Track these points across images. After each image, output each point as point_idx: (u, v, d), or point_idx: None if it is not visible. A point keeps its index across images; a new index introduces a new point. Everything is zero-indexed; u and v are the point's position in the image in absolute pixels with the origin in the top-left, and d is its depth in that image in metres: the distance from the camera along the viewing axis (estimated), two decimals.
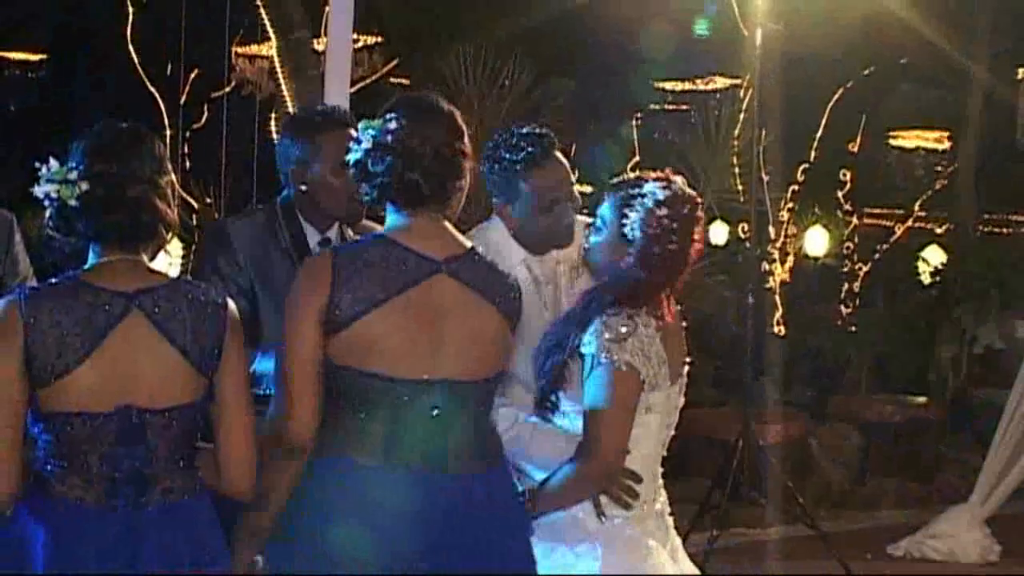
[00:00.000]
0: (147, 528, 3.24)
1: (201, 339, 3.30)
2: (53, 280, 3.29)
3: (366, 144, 3.45)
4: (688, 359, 4.02)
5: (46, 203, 3.29)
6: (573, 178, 4.27)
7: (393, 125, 3.44)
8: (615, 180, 4.05)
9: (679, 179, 3.93)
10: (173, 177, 3.42)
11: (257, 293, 4.31)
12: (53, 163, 3.29)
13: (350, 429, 3.39)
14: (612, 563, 3.83)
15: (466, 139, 3.54)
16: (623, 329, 3.77)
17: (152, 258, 3.39)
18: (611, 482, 3.80)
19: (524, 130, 4.21)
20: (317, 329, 3.35)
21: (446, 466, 3.40)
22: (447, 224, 3.54)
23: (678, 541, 4.07)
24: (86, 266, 3.31)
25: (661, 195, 3.85)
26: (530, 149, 4.15)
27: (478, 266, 3.51)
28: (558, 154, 4.20)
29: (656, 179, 3.90)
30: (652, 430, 3.89)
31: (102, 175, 3.26)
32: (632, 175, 4.05)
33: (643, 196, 3.85)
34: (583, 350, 3.80)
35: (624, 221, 3.86)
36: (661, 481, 4.01)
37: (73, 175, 3.27)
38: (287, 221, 4.44)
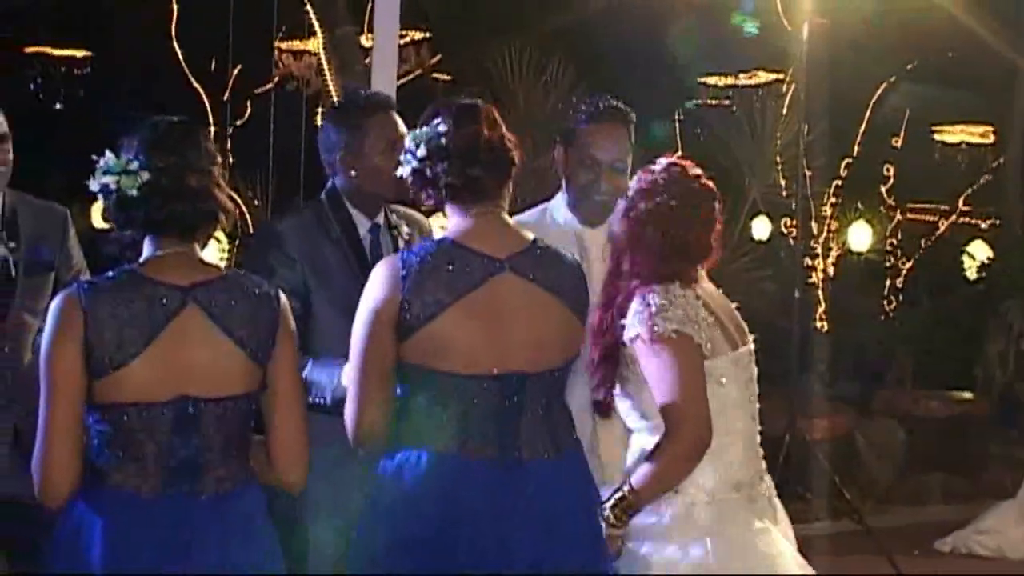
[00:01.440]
0: (201, 517, 3.29)
1: (257, 330, 3.35)
2: (110, 274, 3.33)
3: (421, 152, 3.58)
4: (748, 333, 4.02)
5: (102, 195, 3.33)
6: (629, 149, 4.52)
7: (442, 128, 3.58)
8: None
9: (686, 163, 4.06)
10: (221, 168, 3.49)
11: (311, 289, 4.33)
12: (109, 155, 3.33)
13: (427, 423, 3.51)
14: (724, 551, 3.79)
15: (507, 131, 3.68)
16: (662, 300, 3.78)
17: (203, 248, 3.46)
18: (697, 459, 3.76)
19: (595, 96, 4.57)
20: (389, 333, 3.49)
21: (520, 455, 3.53)
22: (507, 218, 3.68)
23: (789, 529, 4.03)
24: (141, 259, 3.36)
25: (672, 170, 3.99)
26: (595, 107, 4.53)
27: (541, 259, 3.62)
28: (620, 124, 4.55)
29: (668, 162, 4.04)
30: (735, 400, 3.87)
31: (164, 166, 3.32)
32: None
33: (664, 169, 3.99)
34: (629, 333, 3.81)
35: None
36: (764, 464, 3.99)
37: (134, 165, 3.31)
38: (335, 211, 4.46)
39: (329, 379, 4.10)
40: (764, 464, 4.00)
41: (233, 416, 3.34)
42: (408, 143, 3.63)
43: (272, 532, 3.44)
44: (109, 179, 3.31)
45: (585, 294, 3.72)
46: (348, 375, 3.64)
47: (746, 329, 4.02)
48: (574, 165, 4.55)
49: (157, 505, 3.26)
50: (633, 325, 3.81)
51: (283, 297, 3.46)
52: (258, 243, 4.58)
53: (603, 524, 3.78)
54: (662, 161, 4.03)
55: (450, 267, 3.52)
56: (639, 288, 3.85)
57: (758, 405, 3.98)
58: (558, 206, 4.63)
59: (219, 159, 3.49)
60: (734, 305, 4.11)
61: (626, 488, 3.79)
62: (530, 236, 3.67)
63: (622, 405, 3.95)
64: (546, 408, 3.60)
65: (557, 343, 3.63)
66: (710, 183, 4.03)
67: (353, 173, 4.42)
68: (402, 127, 4.46)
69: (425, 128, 3.60)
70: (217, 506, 3.31)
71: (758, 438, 3.98)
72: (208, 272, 3.38)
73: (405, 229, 4.58)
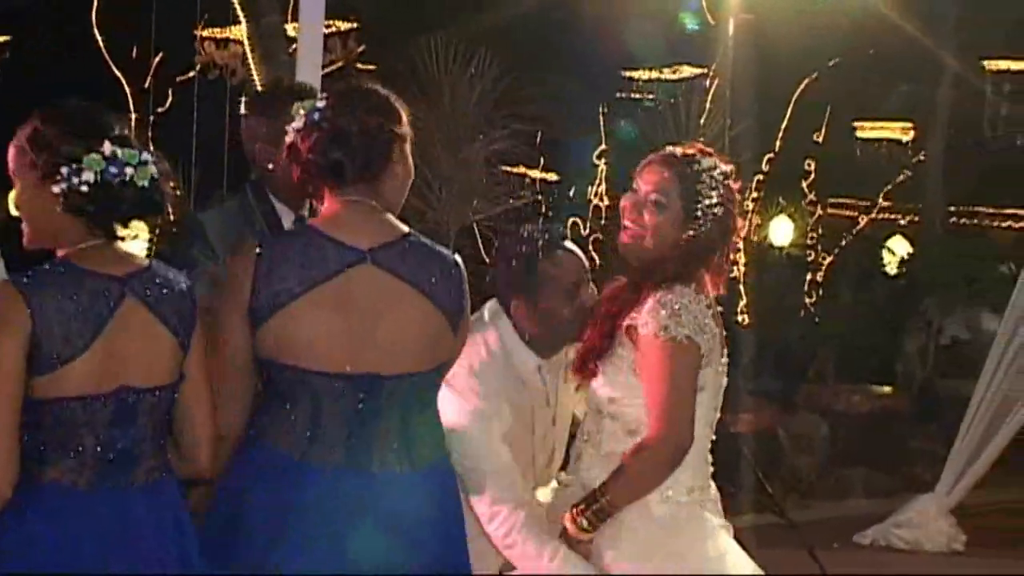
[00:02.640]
0: (136, 507, 3.25)
1: (184, 319, 3.32)
2: (46, 267, 3.26)
3: (297, 124, 3.43)
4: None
5: (93, 185, 3.22)
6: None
7: (321, 104, 3.41)
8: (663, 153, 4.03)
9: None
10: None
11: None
12: (108, 146, 3.23)
13: (275, 420, 3.32)
14: (679, 545, 3.83)
15: (403, 123, 3.47)
16: (677, 305, 3.77)
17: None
18: (674, 466, 3.77)
19: (531, 226, 4.19)
20: (243, 322, 3.31)
21: (370, 464, 3.31)
22: (379, 209, 3.43)
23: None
24: (61, 252, 3.29)
25: (726, 168, 3.95)
26: (548, 235, 4.11)
27: (411, 253, 3.39)
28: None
29: (704, 152, 3.96)
30: (704, 409, 3.88)
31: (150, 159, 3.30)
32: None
33: (710, 170, 3.91)
34: (641, 330, 3.79)
35: (697, 197, 3.88)
36: (711, 469, 4.01)
37: (146, 157, 3.27)
38: (259, 203, 4.41)
39: None
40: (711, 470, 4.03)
41: (163, 405, 3.31)
42: (292, 112, 3.47)
43: (191, 520, 3.38)
44: (128, 170, 3.24)
45: (460, 295, 3.44)
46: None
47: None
48: (549, 303, 4.07)
49: (94, 498, 3.21)
50: (647, 322, 3.77)
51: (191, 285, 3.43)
52: (182, 234, 4.51)
53: (572, 527, 3.82)
54: (721, 166, 3.95)
55: (304, 255, 3.31)
56: (660, 285, 3.83)
57: (718, 415, 4.00)
58: (511, 340, 4.12)
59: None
60: None
61: (601, 495, 3.80)
62: (404, 228, 3.43)
63: (604, 377, 3.92)
64: (403, 417, 3.35)
65: (421, 345, 3.37)
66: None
67: (270, 164, 4.37)
68: None
69: (310, 102, 3.45)
70: (148, 496, 3.27)
71: (709, 445, 4.00)
72: (135, 263, 3.33)
73: None
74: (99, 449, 3.23)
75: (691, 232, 3.88)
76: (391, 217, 3.46)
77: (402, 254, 3.37)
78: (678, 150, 4.00)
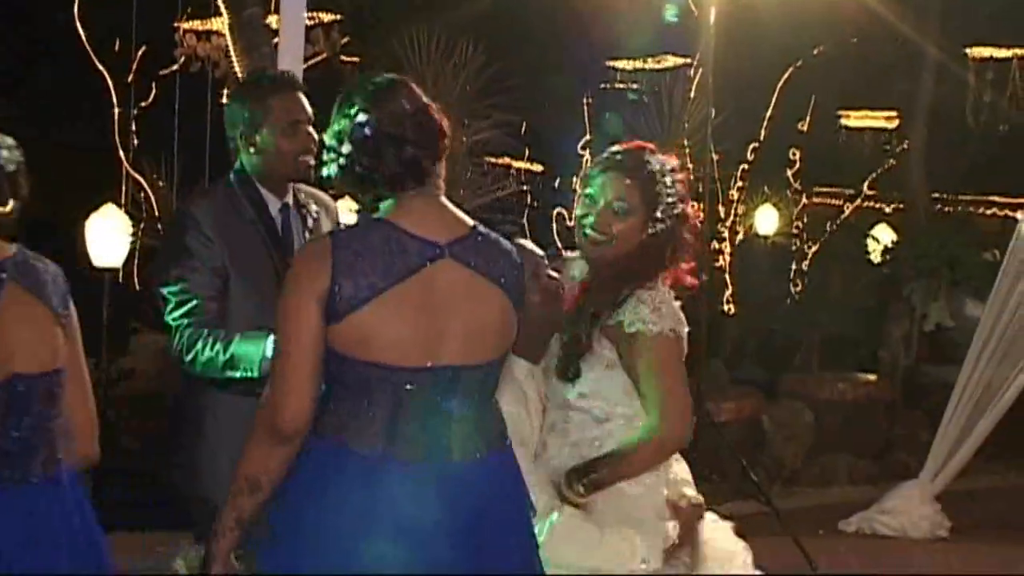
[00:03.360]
0: (37, 500, 3.22)
1: (63, 303, 3.32)
2: None
3: (346, 148, 3.33)
4: None
5: None
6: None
7: (363, 118, 3.32)
8: (600, 159, 4.16)
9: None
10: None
11: (228, 269, 4.31)
12: None
13: (351, 416, 3.27)
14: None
15: (430, 103, 3.43)
16: (657, 301, 3.91)
17: None
18: (672, 454, 3.94)
19: None
20: (318, 317, 3.24)
21: (449, 456, 3.31)
22: (445, 201, 3.44)
23: None
24: None
25: (674, 163, 4.09)
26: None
27: (482, 246, 3.41)
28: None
29: (649, 151, 4.08)
30: None
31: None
32: (611, 150, 4.19)
33: (663, 169, 4.04)
34: (628, 330, 3.89)
35: (657, 200, 4.01)
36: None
37: (11, 141, 3.34)
38: (245, 192, 4.44)
39: (256, 351, 4.09)
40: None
41: (54, 392, 3.28)
42: (329, 141, 3.38)
43: (91, 510, 3.36)
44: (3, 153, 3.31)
45: (523, 283, 3.50)
46: (272, 362, 3.43)
47: None
48: None
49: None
50: (633, 322, 3.89)
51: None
52: (175, 226, 4.53)
53: (568, 493, 3.92)
54: (668, 163, 4.08)
55: (386, 250, 3.26)
56: (635, 283, 3.94)
57: None
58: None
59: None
60: None
61: (599, 468, 3.92)
62: (470, 221, 3.44)
63: (586, 380, 4.01)
64: (478, 404, 3.38)
65: (497, 334, 3.41)
66: None
67: (254, 151, 4.39)
68: (307, 107, 4.45)
69: (344, 121, 3.34)
70: (48, 487, 3.25)
71: None
72: (6, 248, 3.32)
73: (314, 208, 4.56)
74: None
75: (652, 232, 4.00)
76: (456, 209, 3.47)
77: (475, 247, 3.39)
78: (626, 154, 4.10)
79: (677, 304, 3.99)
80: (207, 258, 4.26)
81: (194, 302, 4.25)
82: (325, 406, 3.30)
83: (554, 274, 4.15)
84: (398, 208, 3.37)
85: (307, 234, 4.48)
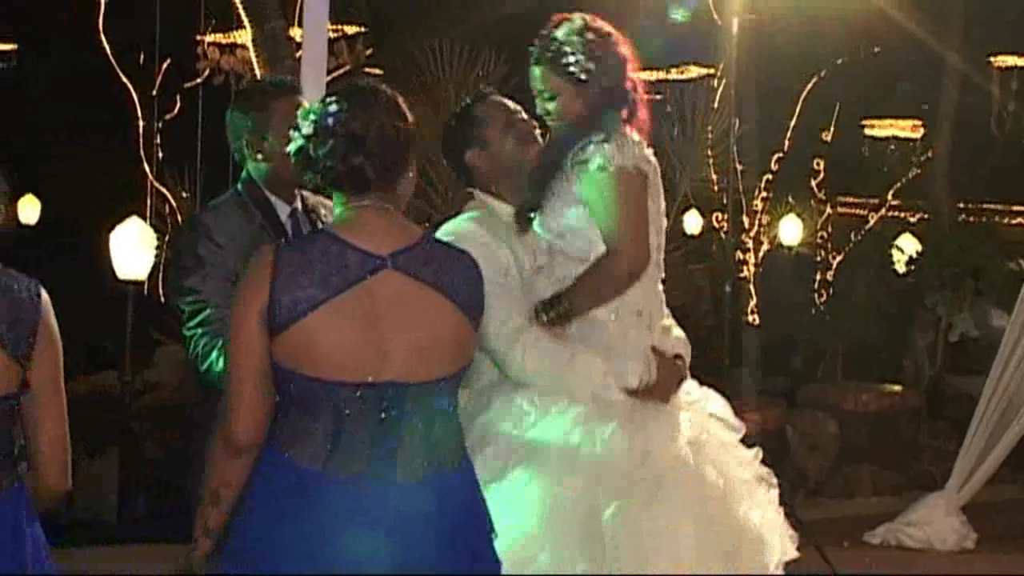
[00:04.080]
0: None
1: (16, 327, 3.19)
2: None
3: (307, 129, 3.32)
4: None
5: None
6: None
7: (334, 108, 3.30)
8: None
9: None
10: None
11: (240, 276, 4.30)
12: None
13: (296, 430, 3.22)
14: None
15: (410, 122, 3.40)
16: (619, 141, 4.00)
17: None
18: (635, 278, 3.98)
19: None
20: (260, 330, 3.20)
21: (394, 476, 3.21)
22: (395, 212, 3.37)
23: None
24: None
25: (579, 22, 4.13)
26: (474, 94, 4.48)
27: (431, 255, 3.33)
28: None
29: (555, 24, 4.16)
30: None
31: None
32: None
33: (569, 37, 4.11)
34: (588, 166, 3.99)
35: (569, 69, 4.10)
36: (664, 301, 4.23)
37: None
38: (254, 199, 4.44)
39: None
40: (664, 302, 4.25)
41: None
42: (298, 118, 3.36)
43: (42, 535, 3.28)
44: None
45: (479, 294, 3.40)
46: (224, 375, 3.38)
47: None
48: (496, 145, 4.42)
49: None
50: (593, 157, 3.98)
51: (44, 295, 3.29)
52: (186, 235, 4.53)
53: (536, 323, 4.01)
54: (572, 24, 4.15)
55: (325, 262, 3.20)
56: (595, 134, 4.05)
57: (662, 255, 4.21)
58: (476, 226, 4.36)
59: None
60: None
61: (562, 300, 4.01)
62: (420, 231, 3.38)
63: (551, 213, 4.11)
64: (427, 422, 3.26)
65: (444, 349, 3.30)
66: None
67: (260, 157, 4.41)
68: None
69: (319, 104, 3.33)
70: None
71: (659, 278, 4.21)
72: None
73: (323, 212, 4.57)
74: None
75: (586, 92, 4.08)
76: (406, 219, 3.41)
77: (423, 257, 3.30)
78: (536, 41, 4.20)
79: (649, 151, 4.10)
80: (219, 266, 4.25)
81: (208, 311, 4.25)
82: (275, 419, 3.27)
83: (526, 117, 4.32)
84: (343, 219, 3.34)
85: None
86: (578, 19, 4.15)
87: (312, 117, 3.32)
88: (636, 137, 4.09)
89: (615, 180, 3.97)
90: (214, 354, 4.17)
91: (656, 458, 3.92)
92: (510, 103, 4.35)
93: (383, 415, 3.21)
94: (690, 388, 4.24)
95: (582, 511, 3.81)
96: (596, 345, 4.03)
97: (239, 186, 4.49)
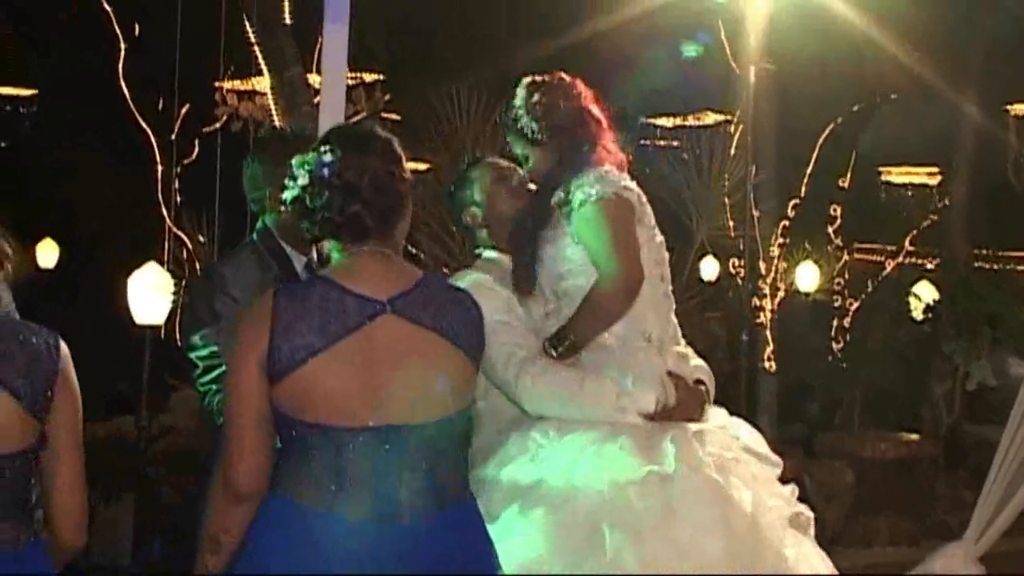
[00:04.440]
0: None
1: (34, 381, 3.18)
2: None
3: (302, 180, 3.34)
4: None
5: None
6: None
7: (328, 158, 3.33)
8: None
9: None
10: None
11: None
12: None
13: (299, 473, 3.25)
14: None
15: (404, 166, 3.43)
16: (595, 175, 4.13)
17: None
18: (632, 296, 4.03)
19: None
20: (259, 377, 3.22)
21: (396, 517, 3.24)
22: (393, 256, 3.41)
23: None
24: None
25: (524, 87, 4.33)
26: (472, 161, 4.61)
27: (430, 298, 3.36)
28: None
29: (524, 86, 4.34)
30: (648, 269, 4.13)
31: None
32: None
33: (515, 106, 4.31)
34: (572, 204, 4.11)
35: (524, 133, 4.26)
36: (679, 331, 4.31)
37: None
38: (271, 250, 4.46)
39: None
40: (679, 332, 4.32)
41: (12, 473, 3.17)
42: (295, 167, 3.39)
43: None
44: None
45: (479, 333, 3.44)
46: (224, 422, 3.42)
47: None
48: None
49: None
50: (575, 192, 4.11)
51: (64, 348, 3.29)
52: (202, 287, 4.54)
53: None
54: (520, 91, 4.35)
55: (324, 308, 3.24)
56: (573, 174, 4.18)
57: (668, 285, 4.32)
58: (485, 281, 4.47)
59: None
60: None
61: (567, 332, 4.09)
62: (419, 273, 3.41)
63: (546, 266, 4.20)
64: (430, 462, 3.29)
65: (444, 390, 3.31)
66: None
67: (283, 209, 4.42)
68: None
69: (312, 154, 3.36)
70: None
71: (669, 306, 4.30)
72: None
73: None
74: None
75: (549, 147, 4.24)
76: (404, 262, 3.45)
77: (421, 300, 3.33)
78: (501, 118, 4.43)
79: (630, 181, 4.20)
80: (233, 320, 4.26)
81: (222, 368, 4.24)
82: (277, 463, 3.28)
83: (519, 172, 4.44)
84: (341, 265, 3.37)
85: None
86: (524, 83, 4.34)
87: (307, 167, 3.34)
88: (613, 169, 4.21)
89: (597, 209, 4.08)
90: None
91: (673, 477, 3.91)
92: (503, 162, 4.52)
93: (385, 457, 3.23)
94: (717, 414, 4.28)
95: (588, 532, 3.81)
96: (606, 370, 4.08)
97: (255, 236, 4.50)
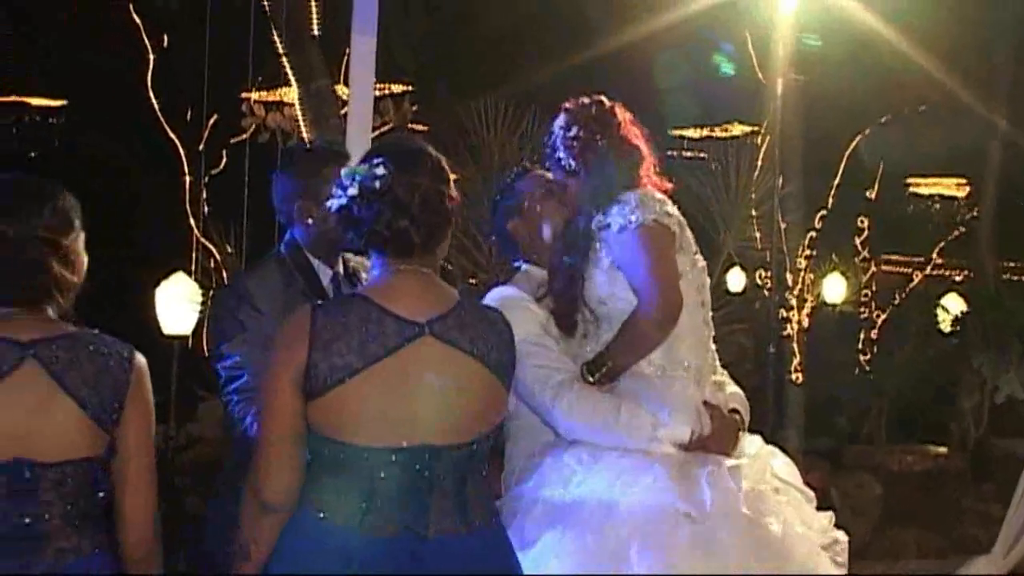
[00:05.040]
0: None
1: (101, 391, 3.18)
2: None
3: (352, 190, 3.35)
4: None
5: None
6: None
7: (380, 171, 3.33)
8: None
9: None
10: (82, 233, 3.34)
11: None
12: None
13: (329, 490, 3.25)
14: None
15: (452, 185, 3.44)
16: (635, 201, 4.08)
17: (66, 305, 3.28)
18: (671, 324, 3.99)
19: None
20: (294, 393, 3.23)
21: (424, 537, 3.24)
22: (433, 277, 3.43)
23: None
24: None
25: (561, 119, 4.27)
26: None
27: (466, 321, 3.36)
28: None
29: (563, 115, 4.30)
30: (688, 298, 4.09)
31: (3, 234, 3.18)
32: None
33: (554, 135, 4.27)
34: (612, 228, 4.06)
35: (562, 164, 4.23)
36: (717, 359, 4.30)
37: None
38: (297, 263, 4.46)
39: None
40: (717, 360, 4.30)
41: (74, 481, 3.16)
42: (342, 177, 3.40)
43: None
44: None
45: (511, 354, 3.44)
46: (256, 435, 3.43)
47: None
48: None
49: None
50: (614, 220, 4.06)
51: (139, 359, 3.28)
52: (227, 300, 4.54)
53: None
54: (557, 126, 4.31)
55: (363, 329, 3.24)
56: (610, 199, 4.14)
57: (708, 312, 4.27)
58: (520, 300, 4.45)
59: (78, 223, 3.32)
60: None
61: (606, 358, 4.05)
62: (455, 295, 3.41)
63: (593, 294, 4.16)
64: (459, 483, 3.31)
65: (476, 413, 3.35)
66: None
67: (312, 222, 4.42)
68: None
69: (363, 165, 3.37)
70: None
71: (708, 334, 4.26)
72: (54, 329, 3.20)
73: (364, 275, 4.58)
74: None
75: (587, 178, 4.19)
76: (442, 283, 3.45)
77: (458, 323, 3.34)
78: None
79: (672, 207, 4.15)
80: (258, 332, 4.25)
81: (245, 378, 4.25)
82: (308, 479, 3.28)
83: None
84: (381, 282, 3.37)
85: None
86: (564, 112, 4.28)
87: (357, 177, 3.34)
88: (657, 194, 4.15)
89: (637, 235, 4.04)
90: (248, 419, 4.17)
91: (707, 508, 3.88)
92: (549, 175, 4.44)
93: (417, 477, 3.24)
94: (753, 442, 4.26)
95: (615, 560, 3.80)
96: (643, 399, 4.04)
97: (282, 248, 4.50)
